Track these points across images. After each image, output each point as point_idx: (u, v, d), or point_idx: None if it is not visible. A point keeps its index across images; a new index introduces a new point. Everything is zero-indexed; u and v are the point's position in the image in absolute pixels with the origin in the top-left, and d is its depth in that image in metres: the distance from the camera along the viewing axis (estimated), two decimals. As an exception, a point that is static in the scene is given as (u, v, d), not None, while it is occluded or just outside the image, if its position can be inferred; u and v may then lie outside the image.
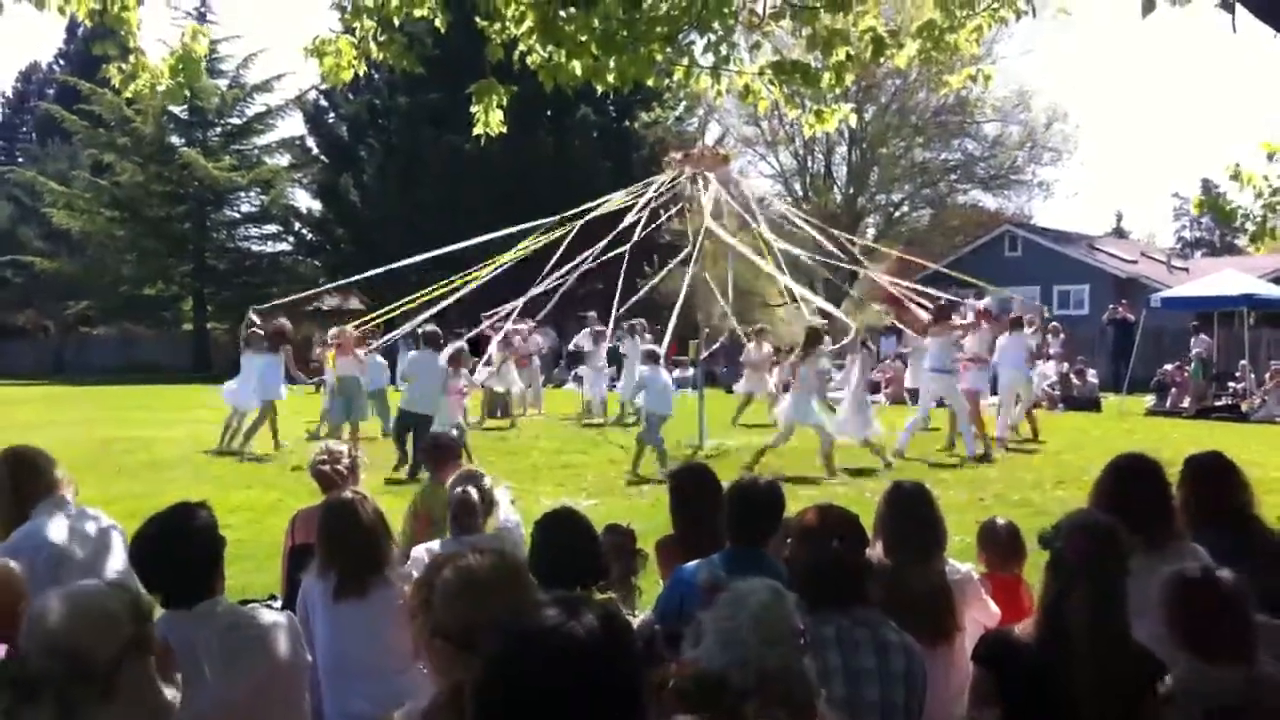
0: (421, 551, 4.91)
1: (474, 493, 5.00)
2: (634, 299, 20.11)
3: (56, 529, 4.30)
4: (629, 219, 17.85)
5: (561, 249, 17.59)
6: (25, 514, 4.34)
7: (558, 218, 17.67)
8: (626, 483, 12.38)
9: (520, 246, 17.76)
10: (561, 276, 17.74)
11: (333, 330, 16.52)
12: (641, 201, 17.70)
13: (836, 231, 20.44)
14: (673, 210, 18.29)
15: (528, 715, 1.93)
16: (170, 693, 2.44)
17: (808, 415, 12.98)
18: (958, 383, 14.52)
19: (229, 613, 3.56)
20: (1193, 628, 3.32)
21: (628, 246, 17.96)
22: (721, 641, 2.63)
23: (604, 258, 18.04)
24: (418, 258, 18.28)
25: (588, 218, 17.65)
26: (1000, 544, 5.12)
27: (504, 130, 7.28)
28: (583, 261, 17.79)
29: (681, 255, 18.72)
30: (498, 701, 1.98)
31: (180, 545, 3.52)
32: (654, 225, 18.34)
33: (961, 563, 4.54)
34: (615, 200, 17.99)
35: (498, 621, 2.16)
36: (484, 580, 2.70)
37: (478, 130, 7.30)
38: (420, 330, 15.24)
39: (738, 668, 2.56)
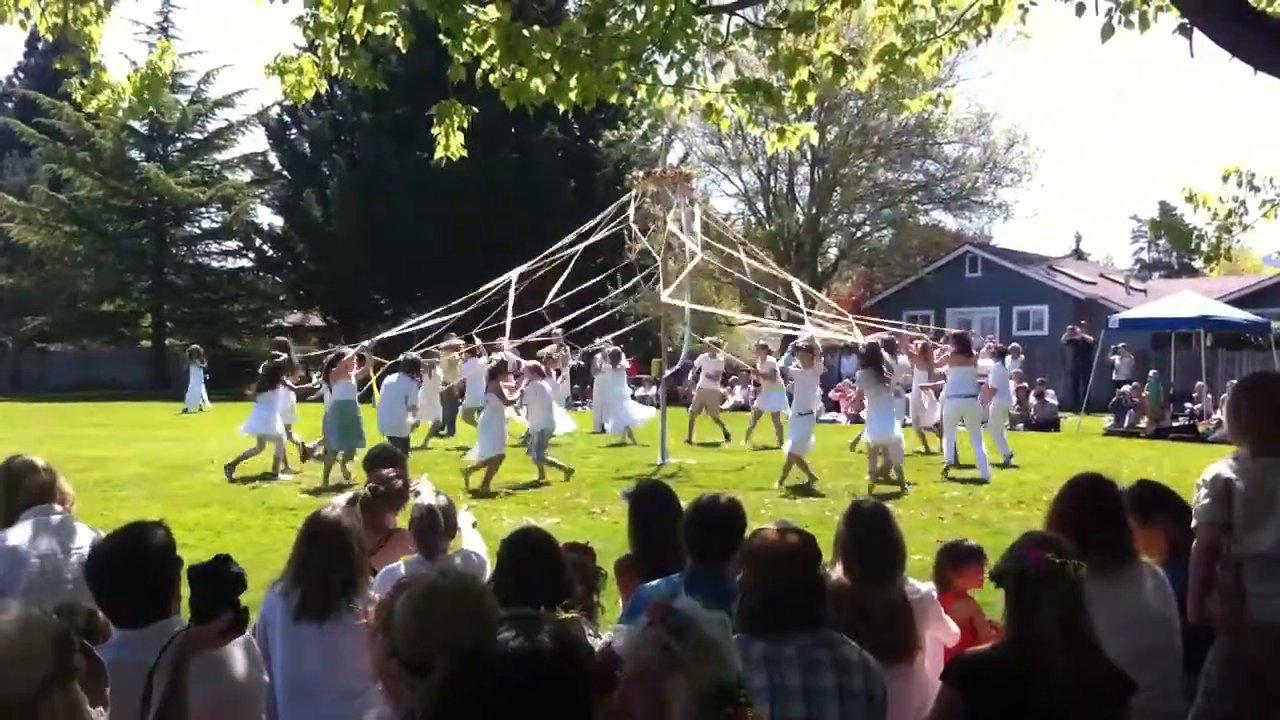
0: (394, 570, 4.84)
1: (438, 512, 4.95)
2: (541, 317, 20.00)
3: (19, 537, 4.43)
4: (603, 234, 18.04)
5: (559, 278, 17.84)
6: (15, 519, 4.55)
7: (537, 261, 17.84)
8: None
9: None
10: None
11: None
12: (607, 222, 17.85)
13: (781, 273, 20.48)
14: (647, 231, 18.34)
15: None
16: (98, 713, 2.38)
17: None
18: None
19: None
20: None
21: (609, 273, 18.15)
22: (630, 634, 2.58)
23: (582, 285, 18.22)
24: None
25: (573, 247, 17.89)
26: (960, 560, 5.12)
27: (465, 153, 7.29)
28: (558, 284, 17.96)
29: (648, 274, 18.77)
30: None
31: (136, 564, 3.48)
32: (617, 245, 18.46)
33: (921, 582, 4.55)
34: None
35: (453, 646, 2.13)
36: (443, 604, 2.66)
37: (439, 154, 7.30)
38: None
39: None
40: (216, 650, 3.44)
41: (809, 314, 17.07)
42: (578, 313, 19.54)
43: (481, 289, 17.50)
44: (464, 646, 2.05)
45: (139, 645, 3.29)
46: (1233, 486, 4.12)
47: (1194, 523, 4.23)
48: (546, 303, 18.05)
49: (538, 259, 18.04)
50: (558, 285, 18.02)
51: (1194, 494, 4.29)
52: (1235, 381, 4.61)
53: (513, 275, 17.37)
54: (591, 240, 18.19)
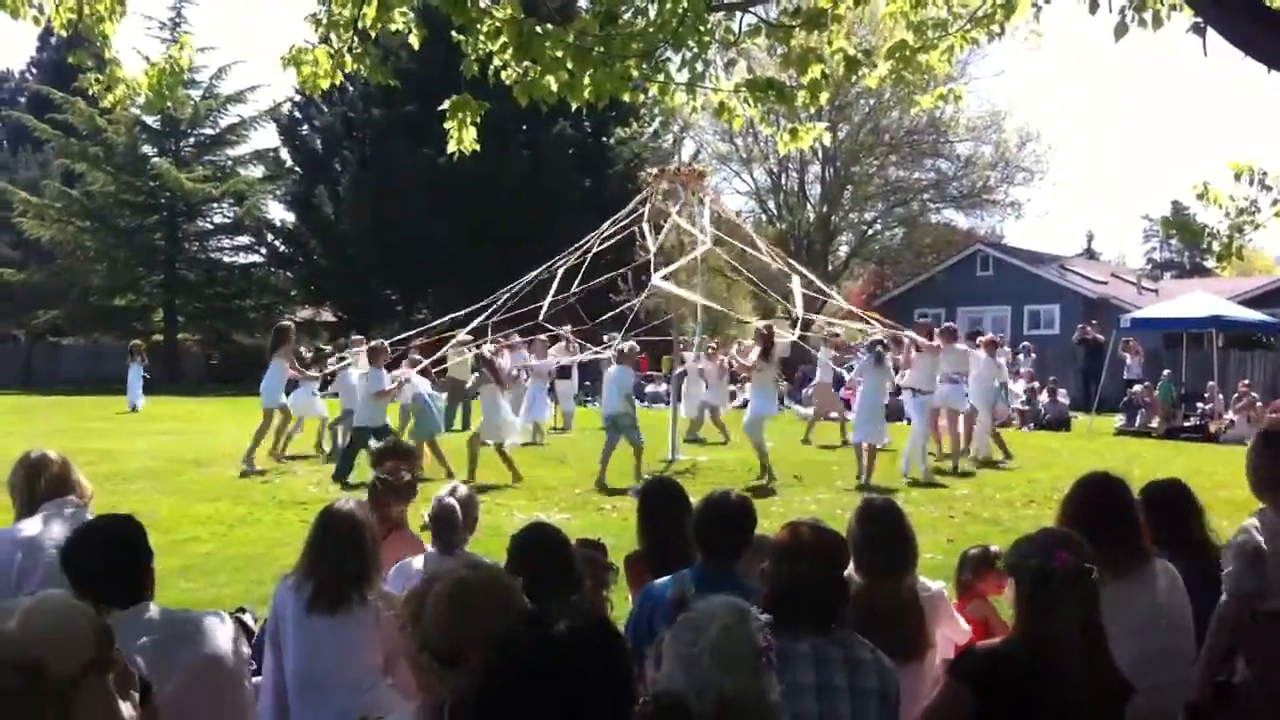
0: (408, 565, 4.84)
1: (455, 504, 4.92)
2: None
3: (34, 528, 4.51)
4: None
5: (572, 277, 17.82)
6: (35, 511, 4.64)
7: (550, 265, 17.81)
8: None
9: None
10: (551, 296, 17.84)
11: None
12: (619, 221, 17.85)
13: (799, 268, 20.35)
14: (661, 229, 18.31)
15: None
16: (128, 710, 2.40)
17: None
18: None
19: (162, 613, 3.64)
20: None
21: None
22: (681, 665, 2.57)
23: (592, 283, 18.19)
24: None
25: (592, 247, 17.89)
26: (981, 566, 5.11)
27: (477, 148, 7.29)
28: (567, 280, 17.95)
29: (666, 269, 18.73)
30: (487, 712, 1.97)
31: (110, 548, 3.62)
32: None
33: (932, 580, 4.55)
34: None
35: (487, 638, 2.14)
36: (475, 598, 2.67)
37: (451, 149, 7.30)
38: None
39: (697, 693, 2.51)
40: (192, 627, 3.61)
41: (803, 316, 17.03)
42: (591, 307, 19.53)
43: (524, 280, 17.62)
44: (497, 638, 2.07)
45: (117, 626, 3.33)
46: (1262, 552, 4.00)
47: (1224, 590, 4.10)
48: (572, 291, 18.09)
49: (575, 247, 18.05)
50: (578, 279, 18.05)
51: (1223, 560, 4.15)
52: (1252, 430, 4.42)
53: (558, 271, 17.50)
54: (613, 237, 18.19)
